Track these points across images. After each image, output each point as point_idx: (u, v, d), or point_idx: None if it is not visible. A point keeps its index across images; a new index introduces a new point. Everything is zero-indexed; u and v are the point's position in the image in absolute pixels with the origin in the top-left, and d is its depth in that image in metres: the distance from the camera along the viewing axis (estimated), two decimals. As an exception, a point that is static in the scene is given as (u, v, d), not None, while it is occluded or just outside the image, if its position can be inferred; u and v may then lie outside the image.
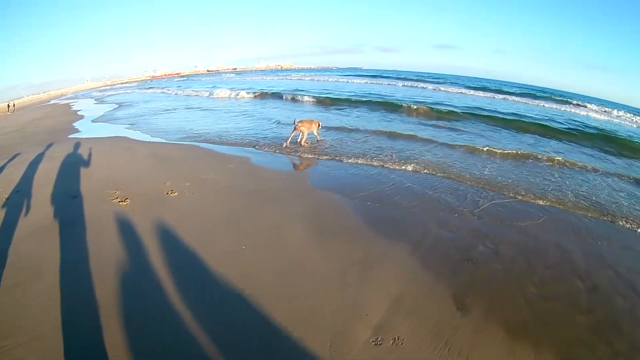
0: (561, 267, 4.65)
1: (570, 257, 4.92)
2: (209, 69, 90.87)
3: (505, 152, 10.25)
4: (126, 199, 5.98)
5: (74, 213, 5.54)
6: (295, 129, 10.19)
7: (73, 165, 7.98)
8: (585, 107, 30.28)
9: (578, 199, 7.04)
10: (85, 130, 13.33)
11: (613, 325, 3.65)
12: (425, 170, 8.04)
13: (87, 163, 8.15)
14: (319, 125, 10.83)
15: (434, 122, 15.36)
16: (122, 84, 59.65)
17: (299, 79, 44.00)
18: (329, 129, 12.19)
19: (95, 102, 24.78)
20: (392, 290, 3.89)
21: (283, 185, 6.95)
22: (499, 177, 7.92)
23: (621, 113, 28.47)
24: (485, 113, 18.34)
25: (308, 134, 10.45)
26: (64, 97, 35.97)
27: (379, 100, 21.04)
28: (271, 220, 5.44)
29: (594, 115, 25.15)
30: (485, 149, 10.37)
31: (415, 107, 18.15)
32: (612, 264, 4.81)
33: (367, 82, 39.12)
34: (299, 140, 10.41)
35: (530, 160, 9.71)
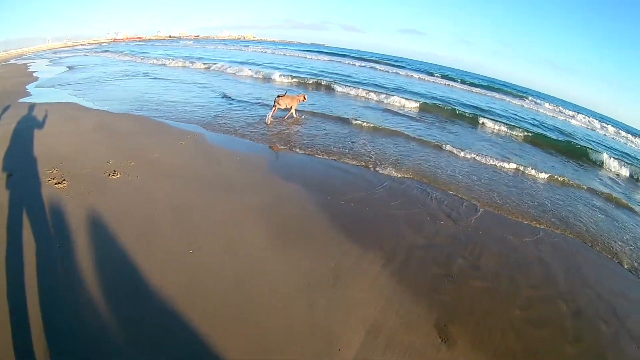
0: (545, 287, 4.30)
1: (550, 273, 4.62)
2: (171, 35, 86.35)
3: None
4: (64, 180, 4.96)
5: (3, 197, 4.51)
6: (274, 104, 9.68)
7: (17, 135, 6.74)
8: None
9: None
10: (37, 93, 11.40)
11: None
12: (399, 175, 7.48)
13: (30, 134, 6.86)
14: (304, 97, 10.31)
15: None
16: (82, 45, 55.50)
17: (254, 51, 40.96)
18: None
19: (52, 64, 22.29)
20: (368, 315, 3.29)
21: (240, 170, 6.13)
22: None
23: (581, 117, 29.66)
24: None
25: (286, 110, 10.01)
26: (23, 56, 33.04)
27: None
28: (226, 214, 4.66)
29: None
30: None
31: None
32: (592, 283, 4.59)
33: (329, 60, 37.25)
34: (285, 117, 9.96)
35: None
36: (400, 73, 33.14)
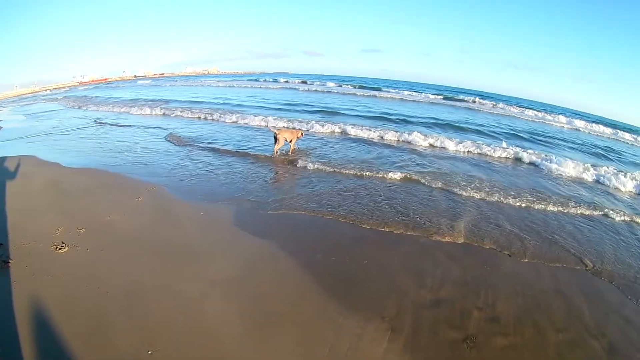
0: (571, 327, 3.82)
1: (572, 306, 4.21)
2: (136, 75, 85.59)
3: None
4: (7, 260, 4.22)
5: None
6: (276, 139, 9.64)
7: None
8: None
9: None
10: None
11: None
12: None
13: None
14: (301, 134, 10.43)
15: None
16: (49, 90, 54.25)
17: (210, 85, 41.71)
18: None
19: (15, 113, 21.12)
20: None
21: (205, 230, 5.39)
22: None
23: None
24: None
25: (286, 143, 9.96)
26: None
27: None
28: (190, 294, 3.88)
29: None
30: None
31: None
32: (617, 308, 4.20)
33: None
34: (275, 149, 9.79)
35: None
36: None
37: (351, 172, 8.43)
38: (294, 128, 10.81)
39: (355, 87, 41.29)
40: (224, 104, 21.55)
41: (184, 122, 15.62)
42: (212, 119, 15.89)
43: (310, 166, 8.72)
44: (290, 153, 10.00)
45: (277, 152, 9.78)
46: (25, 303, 3.61)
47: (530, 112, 32.38)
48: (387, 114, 19.63)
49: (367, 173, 8.45)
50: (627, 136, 26.82)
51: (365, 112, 19.80)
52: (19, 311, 3.49)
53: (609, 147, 18.86)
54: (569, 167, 10.59)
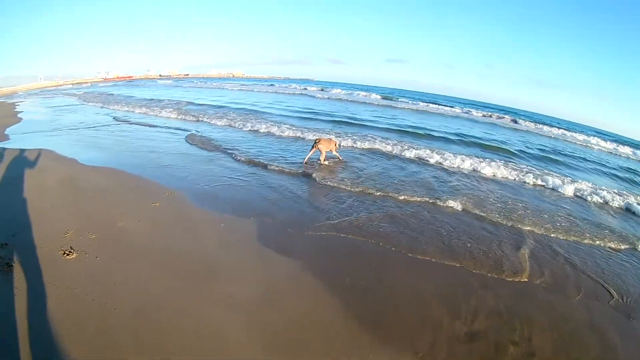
0: None
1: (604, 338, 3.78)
2: (161, 74, 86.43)
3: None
4: (11, 263, 3.90)
5: None
6: (313, 147, 9.51)
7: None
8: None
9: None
10: (16, 138, 10.72)
11: None
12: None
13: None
14: (337, 144, 10.03)
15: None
16: (72, 84, 55.07)
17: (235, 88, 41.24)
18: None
19: (39, 105, 21.23)
20: None
21: (225, 244, 4.87)
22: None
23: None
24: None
25: (327, 153, 9.71)
26: (14, 94, 32.79)
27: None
28: (206, 318, 3.41)
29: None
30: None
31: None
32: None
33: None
34: (320, 159, 9.56)
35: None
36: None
37: (380, 194, 7.51)
38: (329, 138, 10.25)
39: (380, 97, 40.44)
40: (246, 109, 20.91)
41: (207, 125, 15.22)
42: (236, 127, 15.08)
43: (336, 184, 7.97)
44: (321, 162, 9.58)
45: (307, 158, 9.51)
46: (26, 314, 3.25)
47: (555, 130, 31.06)
48: (411, 127, 18.79)
49: (400, 196, 7.50)
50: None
51: (391, 125, 18.94)
52: (20, 322, 3.14)
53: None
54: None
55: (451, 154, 12.10)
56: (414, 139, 15.43)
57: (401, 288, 4.32)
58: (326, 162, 9.55)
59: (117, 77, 72.53)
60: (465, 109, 37.39)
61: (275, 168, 8.79)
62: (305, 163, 9.35)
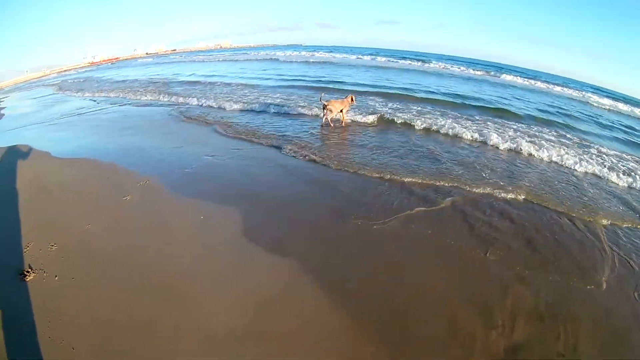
0: None
1: None
2: (148, 52, 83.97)
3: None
4: None
5: None
6: (324, 111, 9.03)
7: None
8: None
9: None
10: None
11: None
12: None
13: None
14: (352, 98, 9.27)
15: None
16: (58, 73, 53.23)
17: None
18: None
19: (22, 99, 20.06)
20: None
21: (204, 246, 4.02)
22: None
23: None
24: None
25: (336, 115, 9.20)
26: (1, 90, 31.92)
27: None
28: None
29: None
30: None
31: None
32: None
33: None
34: (326, 119, 9.15)
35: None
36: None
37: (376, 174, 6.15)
38: (342, 100, 9.31)
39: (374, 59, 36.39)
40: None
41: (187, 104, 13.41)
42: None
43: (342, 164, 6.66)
44: (342, 124, 9.30)
45: (325, 122, 9.18)
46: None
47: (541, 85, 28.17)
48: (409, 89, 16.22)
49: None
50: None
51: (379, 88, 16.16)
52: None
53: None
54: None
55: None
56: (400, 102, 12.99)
57: (423, 288, 3.63)
58: (332, 126, 9.08)
59: (103, 60, 70.67)
60: (463, 67, 33.82)
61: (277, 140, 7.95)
62: (324, 125, 9.13)
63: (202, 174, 6.06)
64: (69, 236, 4.19)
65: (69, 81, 26.74)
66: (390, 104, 11.96)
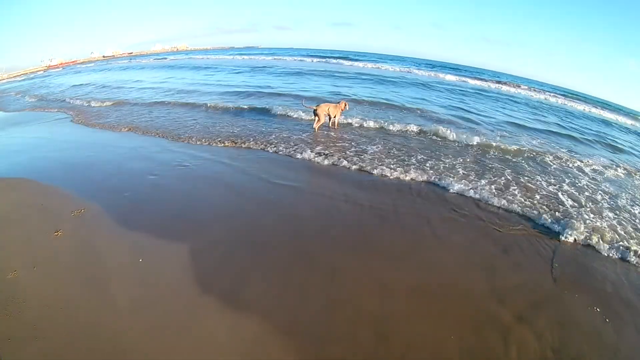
0: None
1: None
2: (105, 55, 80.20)
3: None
4: None
5: None
6: (315, 116, 8.76)
7: None
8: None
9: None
10: None
11: None
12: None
13: None
14: (345, 105, 9.01)
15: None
16: (15, 77, 49.91)
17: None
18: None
19: None
20: None
21: (143, 302, 3.25)
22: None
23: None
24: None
25: (324, 121, 8.93)
26: None
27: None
28: None
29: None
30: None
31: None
32: None
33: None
34: (315, 126, 8.87)
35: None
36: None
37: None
38: (335, 104, 9.05)
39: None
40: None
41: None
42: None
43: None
44: (335, 127, 9.16)
45: (317, 129, 8.84)
46: None
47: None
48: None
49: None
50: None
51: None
52: None
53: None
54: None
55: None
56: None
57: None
58: (320, 131, 8.89)
59: (61, 63, 66.83)
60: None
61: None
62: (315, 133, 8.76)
63: (154, 193, 5.47)
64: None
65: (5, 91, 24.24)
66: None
